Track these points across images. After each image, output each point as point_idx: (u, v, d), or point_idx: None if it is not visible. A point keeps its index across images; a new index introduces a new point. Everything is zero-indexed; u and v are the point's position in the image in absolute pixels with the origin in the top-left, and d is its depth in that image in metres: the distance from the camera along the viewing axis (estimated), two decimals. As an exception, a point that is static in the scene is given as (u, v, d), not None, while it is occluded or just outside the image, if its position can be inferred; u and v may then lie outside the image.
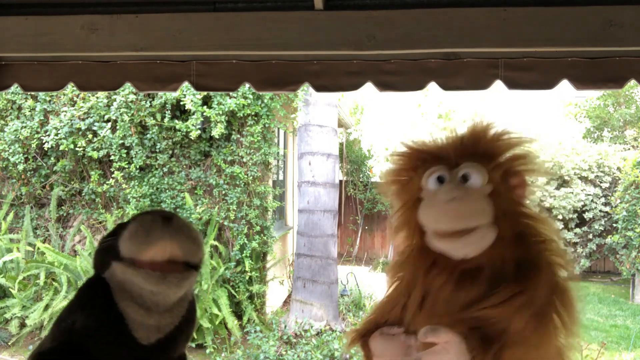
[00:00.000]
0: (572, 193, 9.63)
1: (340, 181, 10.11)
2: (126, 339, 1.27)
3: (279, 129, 7.48)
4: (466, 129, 1.27)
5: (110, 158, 6.41)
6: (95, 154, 6.31)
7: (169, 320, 1.34)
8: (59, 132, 6.34)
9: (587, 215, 9.64)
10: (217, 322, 5.73)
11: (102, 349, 1.27)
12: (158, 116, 6.19)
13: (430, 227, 1.18)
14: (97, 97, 6.26)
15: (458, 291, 1.15)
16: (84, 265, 5.80)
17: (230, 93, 5.90)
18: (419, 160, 1.27)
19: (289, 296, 7.62)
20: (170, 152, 6.41)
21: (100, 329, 1.26)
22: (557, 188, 9.79)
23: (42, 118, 6.47)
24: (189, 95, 5.91)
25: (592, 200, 9.70)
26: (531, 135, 1.30)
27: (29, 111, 6.49)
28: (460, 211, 1.12)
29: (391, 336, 1.26)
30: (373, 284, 8.33)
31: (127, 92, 6.07)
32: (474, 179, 1.17)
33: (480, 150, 1.22)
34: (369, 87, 2.02)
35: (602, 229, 9.75)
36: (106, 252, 1.30)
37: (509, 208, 1.17)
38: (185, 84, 2.10)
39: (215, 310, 5.70)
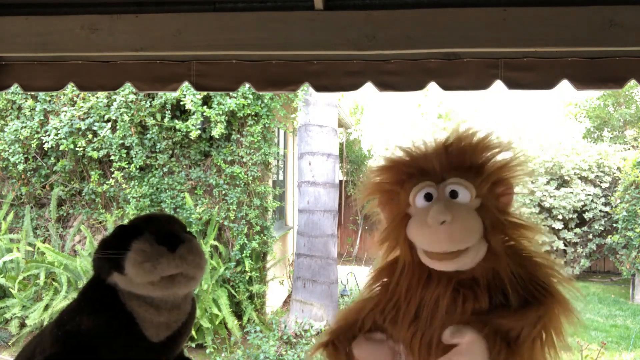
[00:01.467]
0: (572, 193, 9.63)
1: (340, 181, 10.11)
2: (137, 338, 1.27)
3: (279, 129, 7.48)
4: (451, 138, 1.24)
5: (110, 158, 6.41)
6: (95, 154, 6.31)
7: (177, 317, 1.34)
8: (59, 132, 6.34)
9: (587, 215, 9.64)
10: (217, 322, 5.73)
11: (113, 349, 1.26)
12: (158, 116, 6.19)
13: (421, 247, 1.17)
14: (97, 97, 6.26)
15: (456, 301, 1.16)
16: (84, 265, 5.80)
17: (230, 93, 5.90)
18: (405, 175, 1.25)
19: (289, 296, 7.62)
20: (170, 152, 6.41)
21: (111, 329, 1.25)
22: (557, 188, 9.79)
23: (42, 118, 6.47)
24: (189, 95, 5.91)
25: (592, 200, 9.69)
26: (513, 138, 1.31)
27: (29, 111, 6.49)
28: (452, 235, 1.10)
29: (378, 342, 1.25)
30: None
31: (127, 92, 6.07)
32: (462, 195, 1.15)
33: (466, 163, 1.20)
34: (369, 87, 2.02)
35: (602, 229, 9.75)
36: (108, 262, 1.28)
37: (496, 219, 1.16)
38: (185, 84, 2.10)
39: (215, 310, 5.70)
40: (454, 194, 1.16)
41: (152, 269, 1.22)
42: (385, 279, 1.31)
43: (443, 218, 1.09)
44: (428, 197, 1.17)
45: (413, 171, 1.23)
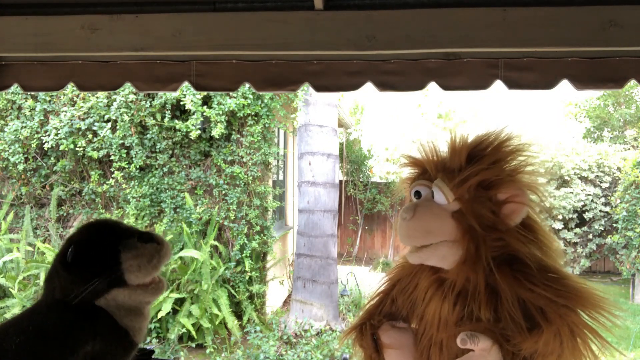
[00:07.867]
0: (572, 193, 9.63)
1: (340, 181, 10.11)
2: (132, 347, 1.35)
3: (279, 129, 7.48)
4: (451, 139, 1.26)
5: (110, 158, 6.41)
6: (95, 154, 6.31)
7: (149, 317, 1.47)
8: (59, 132, 6.34)
9: (587, 215, 9.64)
10: (217, 322, 5.73)
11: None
12: (158, 116, 6.19)
13: None
14: (97, 97, 6.26)
15: (442, 301, 1.20)
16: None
17: (230, 93, 5.90)
18: (414, 173, 1.33)
19: (289, 296, 7.62)
20: (170, 152, 6.41)
21: (115, 350, 1.32)
22: (557, 188, 9.79)
23: (42, 118, 6.47)
24: (189, 95, 5.92)
25: (592, 200, 9.69)
26: (524, 140, 1.28)
27: (29, 111, 6.49)
28: (408, 232, 1.19)
29: (403, 329, 1.31)
30: (373, 284, 8.31)
31: (127, 92, 6.07)
32: (437, 197, 1.20)
33: (452, 165, 1.20)
34: (369, 87, 2.01)
35: (602, 229, 9.75)
36: (108, 284, 1.28)
37: (483, 225, 1.12)
38: (185, 84, 2.09)
39: (215, 310, 5.70)
40: (432, 195, 1.21)
41: (154, 265, 1.28)
42: (394, 273, 1.40)
43: (404, 215, 1.19)
44: (417, 194, 1.26)
45: (419, 170, 1.31)
